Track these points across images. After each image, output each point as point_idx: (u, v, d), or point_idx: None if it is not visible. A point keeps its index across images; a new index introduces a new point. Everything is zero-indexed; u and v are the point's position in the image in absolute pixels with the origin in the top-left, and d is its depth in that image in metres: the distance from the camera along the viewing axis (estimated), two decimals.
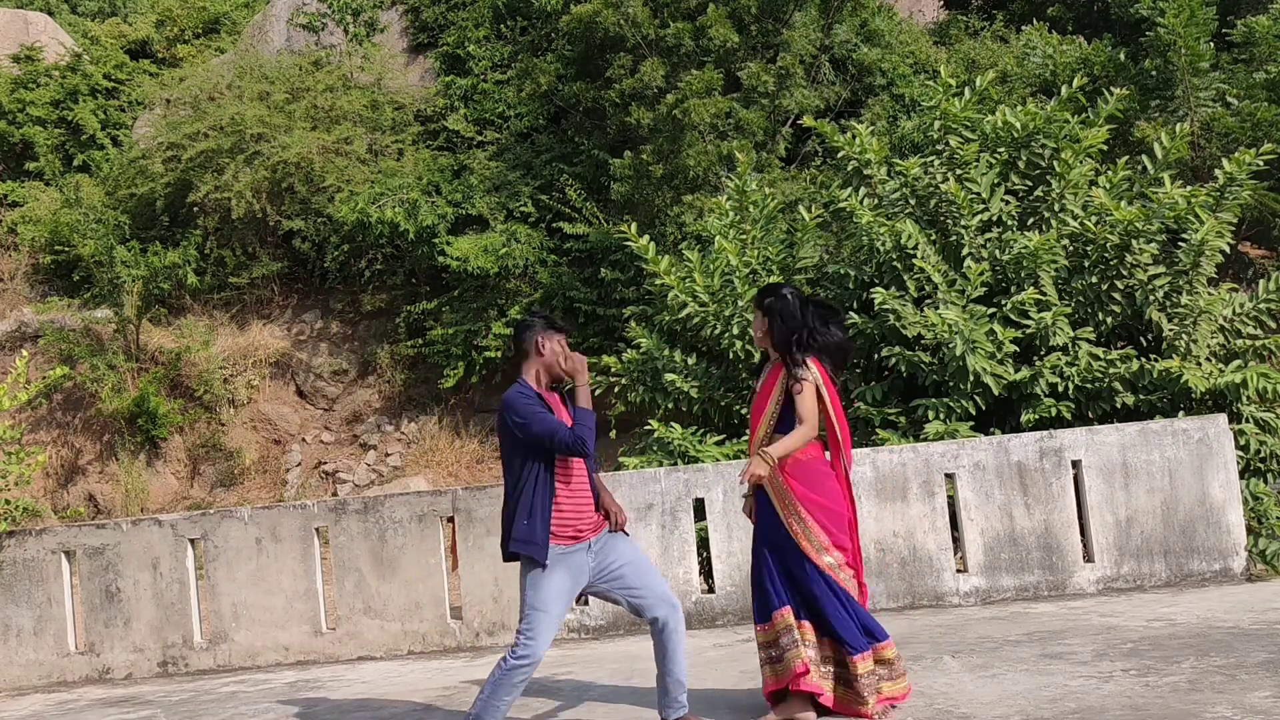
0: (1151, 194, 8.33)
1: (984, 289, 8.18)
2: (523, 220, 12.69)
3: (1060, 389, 8.01)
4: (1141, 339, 8.47)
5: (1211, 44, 10.51)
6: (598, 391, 9.78)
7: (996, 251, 8.38)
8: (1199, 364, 8.04)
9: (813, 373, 4.79)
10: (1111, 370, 7.95)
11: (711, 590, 7.40)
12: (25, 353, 9.55)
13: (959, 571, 7.31)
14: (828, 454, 4.92)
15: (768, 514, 4.83)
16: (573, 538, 4.64)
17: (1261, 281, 8.49)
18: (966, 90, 9.02)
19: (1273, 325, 8.42)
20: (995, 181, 8.67)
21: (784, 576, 4.79)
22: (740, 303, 8.59)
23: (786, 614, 4.73)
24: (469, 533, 7.53)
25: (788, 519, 4.76)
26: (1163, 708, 4.32)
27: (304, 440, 13.14)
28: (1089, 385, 8.00)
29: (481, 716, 4.60)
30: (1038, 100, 10.32)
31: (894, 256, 8.47)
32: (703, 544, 7.51)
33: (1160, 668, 4.96)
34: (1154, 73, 10.69)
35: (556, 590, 4.60)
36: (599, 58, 12.56)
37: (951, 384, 7.97)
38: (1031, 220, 8.73)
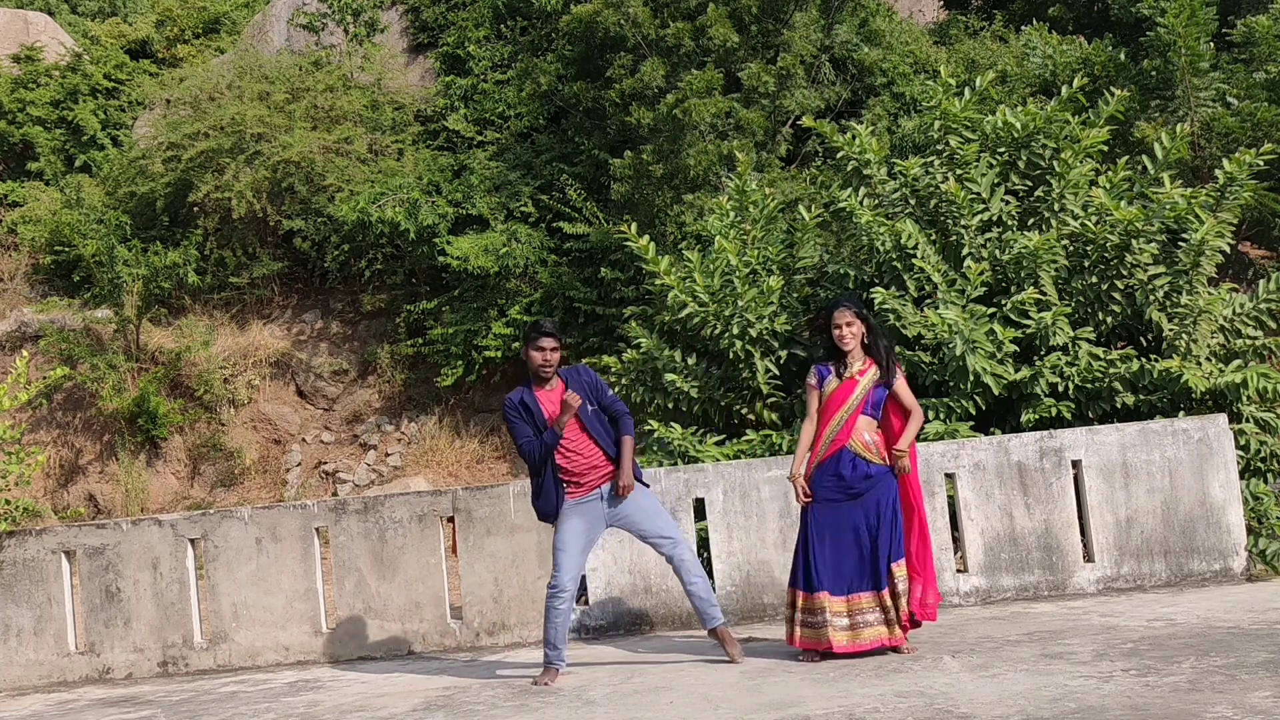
0: (1151, 194, 8.33)
1: (984, 289, 8.17)
2: (523, 220, 12.69)
3: (1060, 389, 8.01)
4: (1141, 339, 8.46)
5: (1211, 44, 10.51)
6: None
7: (996, 251, 8.38)
8: (1199, 364, 8.04)
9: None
10: (1112, 370, 7.95)
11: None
12: (25, 353, 9.54)
13: (959, 571, 7.31)
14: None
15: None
16: (583, 490, 5.88)
17: (1261, 281, 8.49)
18: (966, 90, 9.01)
19: (1273, 325, 8.41)
20: (995, 181, 8.66)
21: None
22: (740, 303, 8.59)
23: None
24: (469, 533, 7.53)
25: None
26: (1163, 708, 4.32)
27: (304, 440, 13.14)
28: (1089, 385, 8.00)
29: (545, 637, 5.94)
30: (1038, 100, 10.32)
31: (894, 256, 8.47)
32: (703, 544, 7.51)
33: (1160, 668, 4.96)
34: (1154, 73, 10.69)
35: (569, 532, 5.86)
36: (599, 58, 12.55)
37: (951, 384, 7.97)
38: (1031, 220, 8.73)
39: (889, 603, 5.83)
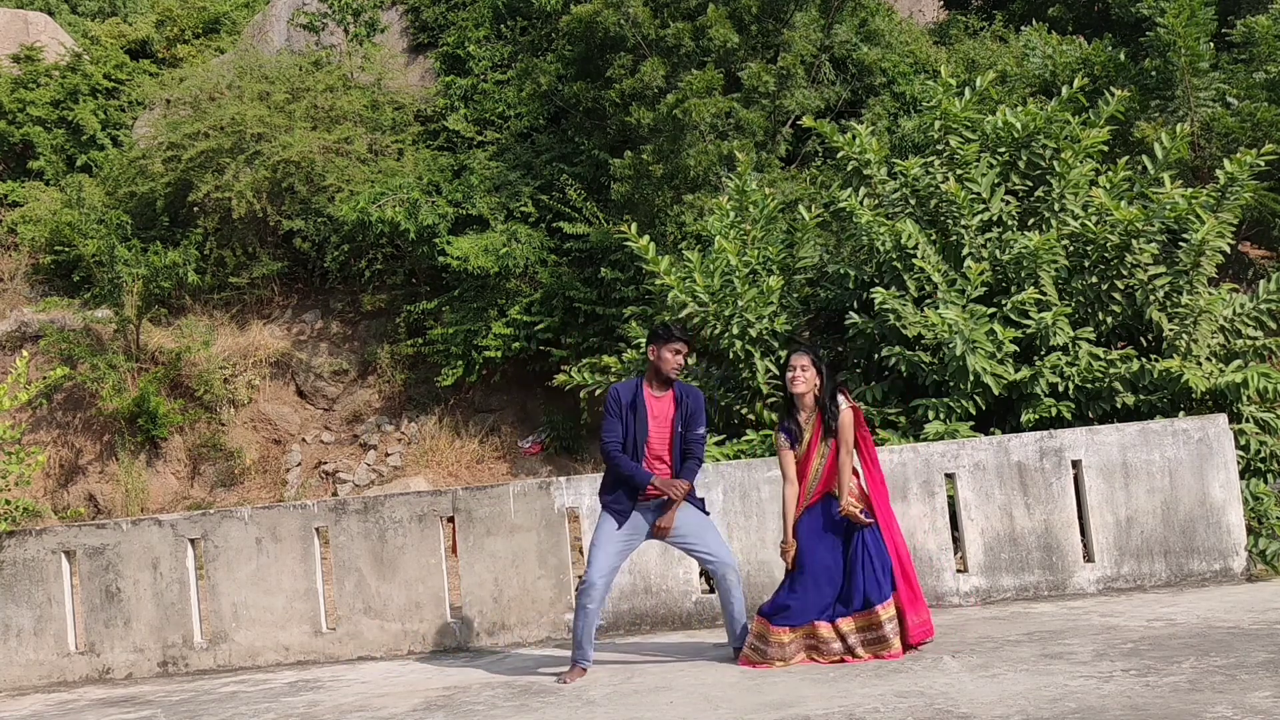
0: (1152, 194, 8.33)
1: (984, 289, 8.18)
2: (523, 220, 12.69)
3: (1060, 389, 8.01)
4: (1142, 339, 8.46)
5: (1211, 44, 10.51)
6: (598, 391, 9.81)
7: (996, 251, 8.38)
8: (1199, 364, 8.04)
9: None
10: (1112, 370, 7.95)
11: (711, 590, 7.39)
12: (25, 353, 9.54)
13: (959, 571, 7.31)
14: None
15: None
16: (633, 499, 5.94)
17: (1262, 282, 8.49)
18: (966, 90, 9.02)
19: (1273, 325, 8.41)
20: (995, 181, 8.67)
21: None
22: (740, 303, 8.59)
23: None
24: (469, 533, 7.53)
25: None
26: (1163, 708, 4.32)
27: (304, 440, 13.14)
28: (1089, 385, 8.00)
29: (573, 635, 6.04)
30: (1038, 100, 10.32)
31: (894, 256, 8.47)
32: None
33: (1160, 668, 4.96)
34: (1154, 73, 10.70)
35: (608, 531, 5.96)
36: (599, 58, 12.56)
37: (951, 384, 7.97)
38: (1032, 220, 8.73)
39: (876, 621, 5.83)
